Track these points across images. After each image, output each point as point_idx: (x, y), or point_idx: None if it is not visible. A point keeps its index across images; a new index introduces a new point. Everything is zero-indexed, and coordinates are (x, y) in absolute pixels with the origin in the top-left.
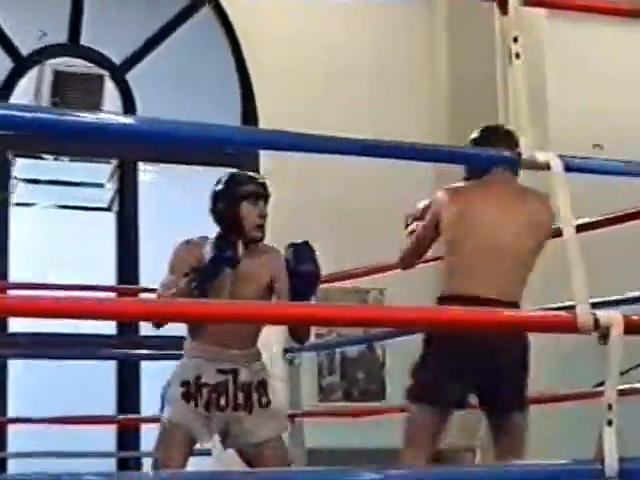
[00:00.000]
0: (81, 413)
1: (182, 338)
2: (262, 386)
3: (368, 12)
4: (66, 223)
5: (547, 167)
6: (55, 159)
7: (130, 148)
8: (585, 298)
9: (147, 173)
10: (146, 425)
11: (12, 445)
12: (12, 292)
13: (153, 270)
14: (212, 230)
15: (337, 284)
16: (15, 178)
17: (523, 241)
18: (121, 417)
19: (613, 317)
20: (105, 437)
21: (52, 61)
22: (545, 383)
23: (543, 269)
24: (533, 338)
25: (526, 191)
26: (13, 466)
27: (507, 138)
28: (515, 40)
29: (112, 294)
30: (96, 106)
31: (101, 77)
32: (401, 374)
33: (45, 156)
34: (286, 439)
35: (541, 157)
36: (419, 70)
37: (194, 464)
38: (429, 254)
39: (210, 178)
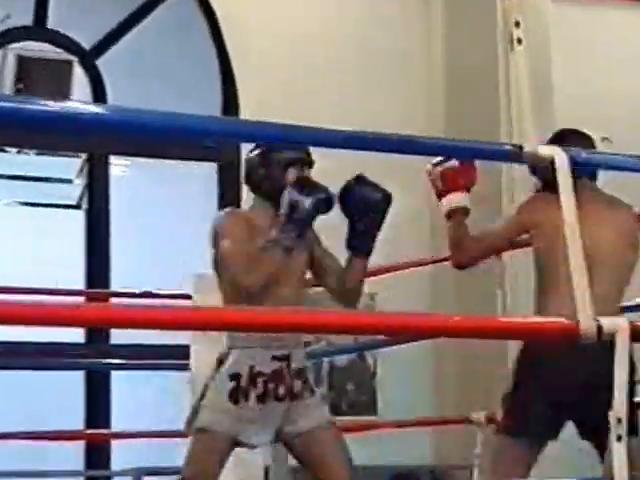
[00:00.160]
0: (46, 428)
1: (155, 347)
2: (306, 372)
3: None
4: (31, 221)
5: (551, 162)
6: (19, 152)
7: (101, 141)
8: (588, 303)
9: (119, 168)
10: (117, 441)
11: None
12: None
13: (125, 271)
14: (189, 229)
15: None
16: None
17: (620, 253)
18: (90, 432)
19: (618, 323)
20: (72, 454)
21: (16, 45)
22: None
23: None
24: None
25: (612, 199)
26: None
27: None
28: (517, 24)
29: (80, 298)
30: (64, 94)
31: (69, 63)
32: (393, 385)
33: (7, 149)
34: (269, 456)
35: (544, 151)
36: (413, 57)
37: None
38: (419, 257)
39: (186, 173)
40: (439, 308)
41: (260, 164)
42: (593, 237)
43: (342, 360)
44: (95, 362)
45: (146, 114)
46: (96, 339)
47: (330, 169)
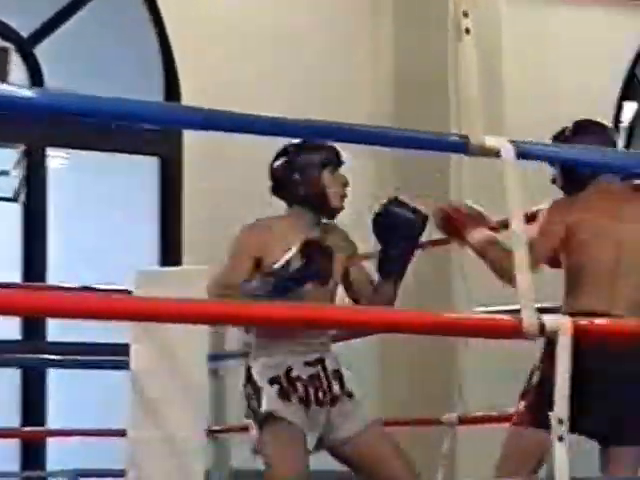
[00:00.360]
0: None
1: (92, 345)
2: (342, 373)
3: None
4: None
5: (497, 154)
6: None
7: (39, 132)
8: (531, 300)
9: (57, 160)
10: (54, 442)
11: None
12: None
13: (63, 266)
14: (129, 221)
15: None
16: None
17: None
18: (26, 429)
19: (561, 322)
20: (7, 454)
21: None
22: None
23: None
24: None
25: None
26: None
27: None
28: (465, 14)
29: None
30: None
31: (5, 50)
32: None
33: None
34: (210, 458)
35: (490, 142)
36: (360, 49)
37: None
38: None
39: (127, 166)
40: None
41: (292, 170)
42: (624, 236)
43: None
44: (30, 358)
45: (78, 98)
46: (32, 336)
47: None
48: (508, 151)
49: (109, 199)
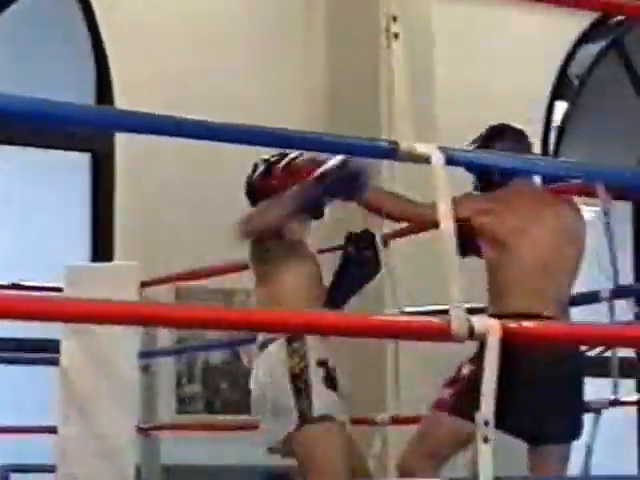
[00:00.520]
0: None
1: (22, 340)
2: None
3: None
4: None
5: (427, 160)
6: None
7: None
8: (460, 302)
9: None
10: None
11: None
12: None
13: None
14: (61, 220)
15: (197, 282)
16: None
17: (569, 252)
18: None
19: (489, 324)
20: None
21: None
22: None
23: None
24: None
25: (555, 199)
26: None
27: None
28: (394, 19)
29: None
30: None
31: None
32: None
33: None
34: (139, 455)
35: (420, 148)
36: (293, 49)
37: None
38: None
39: (58, 162)
40: None
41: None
42: (545, 236)
43: (216, 358)
44: None
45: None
46: None
47: None
48: (438, 157)
49: (40, 195)
